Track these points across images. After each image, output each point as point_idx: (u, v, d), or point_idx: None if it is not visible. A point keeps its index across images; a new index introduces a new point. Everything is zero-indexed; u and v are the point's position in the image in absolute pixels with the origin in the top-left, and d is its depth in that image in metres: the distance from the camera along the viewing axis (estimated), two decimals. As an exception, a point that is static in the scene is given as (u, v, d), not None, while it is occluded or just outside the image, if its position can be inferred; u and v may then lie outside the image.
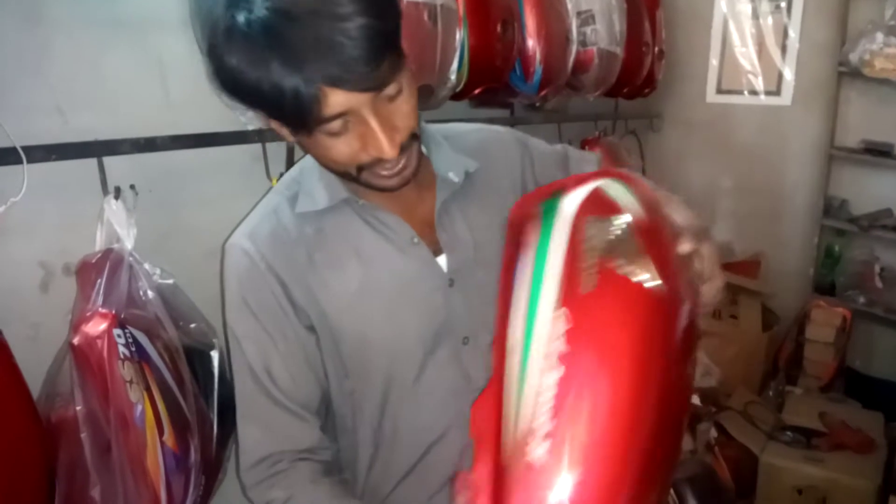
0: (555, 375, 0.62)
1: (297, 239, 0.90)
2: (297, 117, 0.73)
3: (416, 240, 0.92)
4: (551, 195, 0.73)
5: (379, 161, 0.78)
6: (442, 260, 0.93)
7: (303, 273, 0.89)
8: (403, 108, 0.78)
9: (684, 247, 0.72)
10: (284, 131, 0.82)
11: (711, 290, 0.78)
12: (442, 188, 0.93)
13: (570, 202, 0.70)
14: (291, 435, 0.92)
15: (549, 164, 1.05)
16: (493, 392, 0.69)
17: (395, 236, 0.92)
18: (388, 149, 0.76)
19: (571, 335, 0.63)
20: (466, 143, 1.00)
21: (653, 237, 0.68)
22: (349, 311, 0.90)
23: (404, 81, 0.77)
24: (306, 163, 0.94)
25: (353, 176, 0.81)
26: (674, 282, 0.67)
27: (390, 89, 0.75)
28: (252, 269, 0.89)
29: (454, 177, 0.93)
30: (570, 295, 0.65)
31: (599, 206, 0.70)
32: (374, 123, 0.74)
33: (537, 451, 0.60)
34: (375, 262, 0.90)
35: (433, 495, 0.97)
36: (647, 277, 0.64)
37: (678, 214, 0.77)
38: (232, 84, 0.73)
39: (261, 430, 0.93)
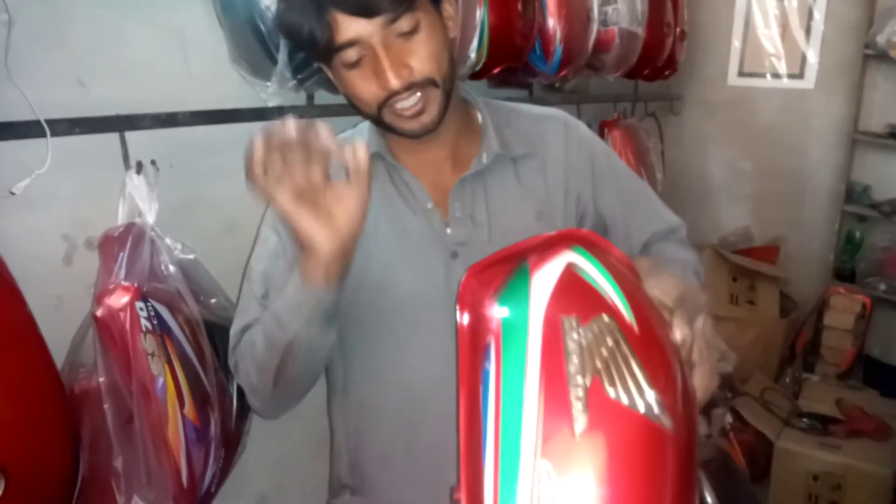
0: None
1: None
2: (317, 46, 0.82)
3: (430, 206, 0.95)
4: (516, 272, 0.63)
5: (391, 96, 0.84)
6: (451, 231, 0.95)
7: None
8: (419, 50, 0.83)
9: (675, 335, 0.63)
10: (330, 73, 0.91)
11: (703, 376, 0.67)
12: (472, 167, 0.96)
13: (541, 289, 0.59)
14: None
15: (582, 159, 1.03)
16: None
17: (413, 198, 0.96)
18: (391, 78, 0.81)
19: (560, 492, 0.51)
20: (521, 125, 1.01)
21: (644, 337, 0.57)
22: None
23: (423, 23, 0.83)
24: (362, 125, 1.02)
25: (379, 118, 0.88)
26: (675, 401, 0.55)
27: (403, 24, 0.81)
28: None
29: (485, 159, 0.96)
30: (555, 438, 0.52)
31: (576, 296, 0.59)
32: (381, 53, 0.81)
33: None
34: (387, 215, 0.95)
35: (426, 483, 0.95)
36: (648, 403, 0.53)
37: (661, 284, 0.68)
38: (279, 25, 0.88)
39: (242, 323, 0.97)
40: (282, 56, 1.20)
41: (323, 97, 1.44)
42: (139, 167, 1.14)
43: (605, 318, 0.56)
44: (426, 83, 0.85)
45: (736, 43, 3.16)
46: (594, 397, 0.52)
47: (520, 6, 1.68)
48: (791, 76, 3.08)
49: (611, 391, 0.53)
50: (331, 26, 0.80)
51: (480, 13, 1.58)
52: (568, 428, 0.52)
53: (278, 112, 1.37)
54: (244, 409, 1.25)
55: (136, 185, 1.12)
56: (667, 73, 2.71)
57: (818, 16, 2.96)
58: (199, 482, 1.11)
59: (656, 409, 0.53)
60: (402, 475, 1.00)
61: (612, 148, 2.49)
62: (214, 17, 1.28)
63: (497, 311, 0.61)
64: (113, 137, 1.13)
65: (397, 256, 0.95)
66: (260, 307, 0.95)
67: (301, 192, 0.74)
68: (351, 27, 0.80)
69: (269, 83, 1.24)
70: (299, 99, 1.42)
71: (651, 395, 0.53)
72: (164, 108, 1.18)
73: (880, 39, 2.66)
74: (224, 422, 1.16)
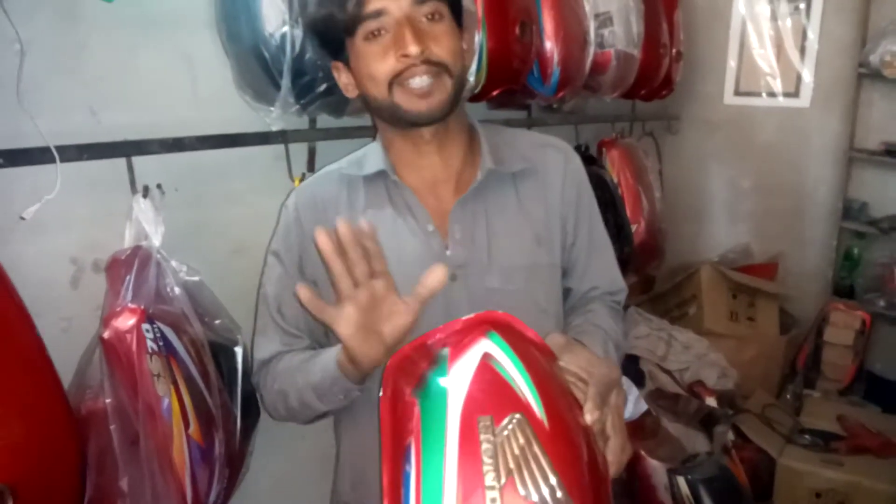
0: None
1: (330, 201, 1.01)
2: (346, 13, 0.86)
3: (430, 228, 0.97)
4: (435, 364, 0.65)
5: (405, 68, 0.87)
6: (451, 253, 0.97)
7: None
8: (440, 36, 0.88)
9: (588, 417, 0.68)
10: (343, 77, 0.97)
11: (615, 449, 0.73)
12: (471, 186, 0.98)
13: (458, 386, 0.61)
14: (288, 343, 1.04)
15: (573, 190, 1.07)
16: None
17: (413, 220, 0.97)
18: (410, 43, 0.85)
19: None
20: (521, 147, 1.05)
21: (554, 432, 0.60)
22: None
23: (447, 16, 0.89)
24: (369, 147, 1.06)
25: (389, 101, 0.90)
26: (583, 489, 0.59)
27: (427, 8, 0.87)
28: (288, 218, 1.04)
29: (480, 175, 0.98)
30: None
31: (490, 393, 0.61)
32: (405, 23, 0.86)
33: None
34: (386, 237, 0.95)
35: None
36: (557, 499, 0.57)
37: (576, 360, 0.73)
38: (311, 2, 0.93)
39: (266, 342, 1.05)
40: (285, 82, 1.22)
41: (325, 121, 1.47)
42: (146, 191, 1.16)
43: (518, 416, 0.59)
44: (441, 66, 0.88)
45: (731, 62, 3.20)
46: (508, 497, 0.55)
47: (517, 30, 1.71)
48: (787, 95, 3.11)
49: (522, 490, 0.56)
50: None
51: (479, 37, 1.61)
52: None
53: (281, 136, 1.39)
54: (248, 430, 1.26)
55: (143, 208, 1.14)
56: (664, 93, 2.75)
57: (812, 35, 3.00)
58: (204, 502, 1.12)
59: (563, 501, 0.56)
60: None
61: (611, 167, 2.52)
62: (221, 46, 1.31)
63: (417, 411, 0.63)
64: (120, 163, 1.16)
65: (396, 279, 0.96)
66: (277, 328, 1.02)
67: (362, 314, 0.78)
68: None
69: (272, 108, 1.27)
70: (302, 123, 1.45)
71: (560, 491, 0.56)
72: (172, 133, 1.21)
73: (874, 59, 2.70)
74: (228, 442, 1.18)
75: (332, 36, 0.94)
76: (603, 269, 1.12)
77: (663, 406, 2.31)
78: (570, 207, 1.05)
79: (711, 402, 2.40)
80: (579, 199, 1.07)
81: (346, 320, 0.77)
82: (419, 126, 0.94)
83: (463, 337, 0.66)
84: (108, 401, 1.04)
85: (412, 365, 0.69)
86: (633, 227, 2.52)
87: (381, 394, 0.68)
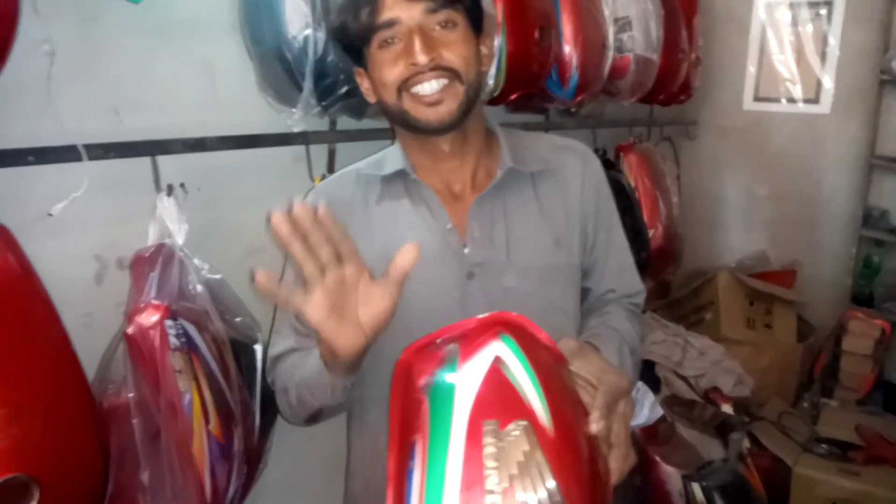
0: None
1: (349, 200, 1.01)
2: (362, 20, 0.88)
3: (449, 226, 0.97)
4: (446, 363, 0.65)
5: (413, 75, 0.88)
6: (469, 252, 0.97)
7: None
8: (452, 43, 0.89)
9: (593, 427, 0.68)
10: (364, 83, 0.99)
11: (618, 458, 0.73)
12: (490, 184, 0.99)
13: (466, 388, 0.62)
14: (300, 343, 1.02)
15: (592, 192, 1.07)
16: None
17: (432, 218, 0.98)
18: (418, 52, 0.86)
19: None
20: (539, 148, 1.05)
21: (558, 440, 0.61)
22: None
23: (460, 24, 0.89)
24: (388, 149, 1.06)
25: (399, 107, 0.91)
26: (583, 499, 0.60)
27: (441, 16, 0.88)
28: None
29: (499, 173, 0.99)
30: None
31: (498, 398, 0.62)
32: (416, 33, 0.87)
33: None
34: (403, 234, 0.96)
35: None
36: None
37: (587, 366, 0.73)
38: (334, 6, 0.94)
39: (280, 340, 1.04)
40: (307, 83, 1.24)
41: (345, 123, 1.48)
42: (169, 190, 1.18)
43: (524, 423, 0.60)
44: (451, 73, 0.89)
45: (751, 68, 3.19)
46: (508, 502, 0.56)
47: (537, 34, 1.72)
48: (807, 101, 3.09)
49: (521, 496, 0.56)
50: (377, 3, 0.87)
51: (498, 41, 1.62)
52: None
53: (302, 137, 1.41)
54: (266, 427, 1.28)
55: (167, 207, 1.16)
56: (682, 98, 2.74)
57: (833, 42, 2.98)
58: (223, 497, 1.14)
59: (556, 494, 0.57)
60: None
61: (629, 172, 2.52)
62: (242, 48, 1.33)
63: (425, 408, 0.63)
64: (142, 163, 1.18)
65: (414, 277, 0.97)
66: (291, 328, 1.02)
67: (330, 298, 0.74)
68: (394, 7, 0.86)
69: (294, 110, 1.29)
70: (322, 125, 1.46)
71: (559, 498, 0.57)
72: (194, 134, 1.23)
73: (895, 65, 2.68)
74: (247, 438, 1.19)
75: (351, 44, 0.95)
76: (621, 272, 1.12)
77: (679, 412, 2.30)
78: (589, 209, 1.05)
79: (727, 408, 2.39)
80: (598, 201, 1.07)
81: (314, 306, 0.73)
82: (430, 134, 0.94)
83: (476, 337, 0.67)
84: (130, 395, 1.06)
85: (424, 360, 0.69)
86: (651, 232, 2.51)
87: (391, 390, 0.69)
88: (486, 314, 0.72)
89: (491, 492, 0.56)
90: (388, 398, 1.00)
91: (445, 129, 0.92)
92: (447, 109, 0.90)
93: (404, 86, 0.89)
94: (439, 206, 0.98)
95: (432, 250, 0.97)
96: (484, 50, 0.96)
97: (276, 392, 1.04)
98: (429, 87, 0.89)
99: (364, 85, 1.00)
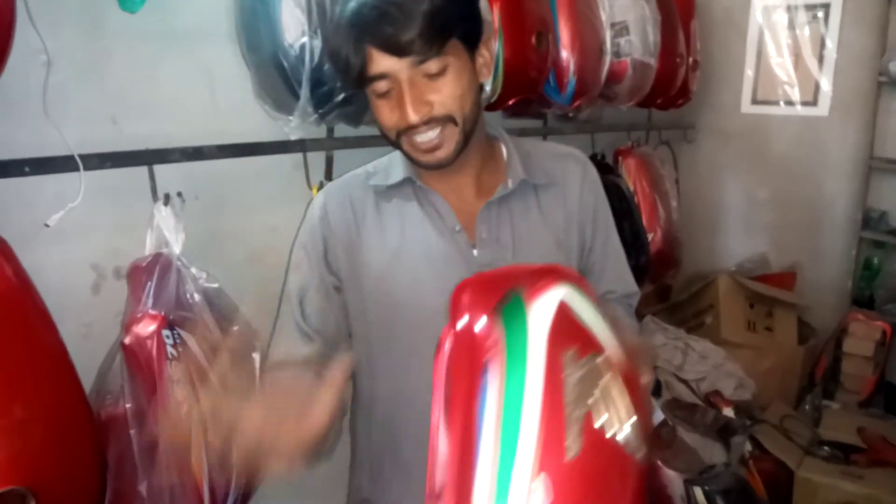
0: None
1: (359, 202, 1.03)
2: (353, 74, 0.88)
3: (457, 228, 0.99)
4: (510, 297, 0.64)
5: (408, 128, 0.89)
6: (477, 253, 0.99)
7: (351, 232, 1.01)
8: (443, 89, 0.89)
9: (645, 378, 0.70)
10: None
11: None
12: (498, 192, 1.01)
13: (539, 322, 0.61)
14: (296, 350, 1.01)
15: (590, 199, 1.09)
16: None
17: (440, 221, 1.00)
18: (411, 114, 0.87)
19: None
20: (543, 159, 1.07)
21: (627, 378, 0.62)
22: (381, 275, 0.99)
23: (452, 66, 0.88)
24: (392, 154, 1.06)
25: (398, 144, 0.93)
26: (646, 434, 0.62)
27: (431, 66, 0.87)
28: (315, 215, 1.04)
29: (510, 184, 1.01)
30: (551, 458, 0.55)
31: (571, 332, 0.62)
32: (405, 89, 0.87)
33: None
34: (414, 239, 0.99)
35: None
36: (628, 437, 0.58)
37: (623, 334, 0.73)
38: (326, 46, 0.96)
39: (280, 340, 1.03)
40: (304, 92, 1.24)
41: (342, 130, 1.48)
42: (166, 199, 1.18)
43: (597, 356, 0.61)
44: (445, 119, 0.90)
45: (749, 71, 3.19)
46: (587, 427, 0.56)
47: (534, 40, 1.72)
48: (805, 104, 3.09)
49: (600, 424, 0.57)
50: (365, 59, 0.87)
51: (495, 47, 1.63)
52: (562, 453, 0.55)
53: (300, 145, 1.41)
54: (265, 436, 1.27)
55: (164, 216, 1.16)
56: (680, 101, 2.75)
57: (830, 44, 2.98)
58: (221, 507, 1.13)
59: (634, 443, 0.59)
60: (423, 487, 1.01)
61: (627, 176, 2.52)
62: (240, 56, 1.33)
63: (498, 332, 0.62)
64: (141, 172, 1.18)
65: (424, 276, 0.99)
66: (294, 327, 1.01)
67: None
68: (383, 62, 0.86)
69: (291, 117, 1.29)
70: (320, 132, 1.47)
71: (631, 430, 0.59)
72: (192, 143, 1.23)
73: (893, 67, 2.68)
74: (245, 448, 1.18)
75: (346, 83, 0.97)
76: (618, 274, 1.15)
77: (680, 416, 2.30)
78: (587, 215, 1.08)
79: (729, 412, 2.38)
80: (596, 208, 1.09)
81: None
82: (430, 170, 0.97)
83: (537, 280, 0.65)
84: (128, 406, 1.05)
85: (484, 291, 0.67)
86: (650, 236, 2.51)
87: (450, 314, 0.67)
88: (538, 264, 0.72)
89: (571, 416, 0.56)
90: (390, 396, 1.01)
91: (443, 167, 0.94)
92: (445, 153, 0.92)
93: (403, 133, 0.91)
94: (447, 210, 1.00)
95: (441, 250, 0.99)
96: (481, 60, 0.95)
97: None
98: (425, 136, 0.90)
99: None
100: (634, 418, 0.59)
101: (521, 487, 0.54)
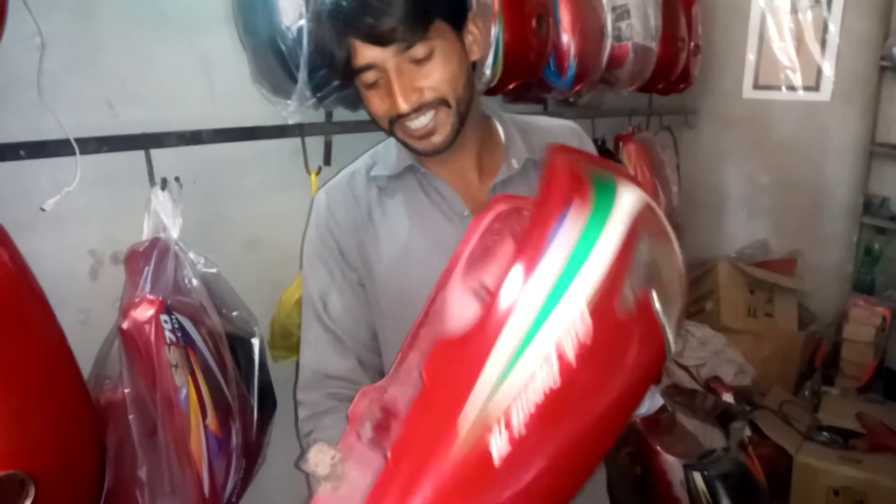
0: (548, 385, 0.56)
1: (363, 198, 1.01)
2: (339, 67, 0.87)
3: (466, 213, 0.98)
4: (603, 174, 0.67)
5: (399, 116, 0.88)
6: None
7: (359, 228, 1.00)
8: (432, 74, 0.87)
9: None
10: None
11: None
12: (503, 173, 0.99)
13: (629, 201, 0.64)
14: (327, 360, 1.01)
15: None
16: (472, 340, 0.59)
17: (447, 207, 0.99)
18: (400, 102, 0.86)
19: (585, 354, 0.57)
20: (539, 135, 1.05)
21: (685, 283, 0.66)
22: (392, 267, 0.98)
23: (438, 49, 0.87)
24: (389, 139, 1.04)
25: (393, 135, 0.93)
26: (678, 336, 0.66)
27: (417, 51, 0.85)
28: (321, 215, 1.03)
29: (515, 164, 0.99)
30: (604, 304, 0.58)
31: (652, 223, 0.65)
32: (393, 78, 0.86)
33: (496, 444, 0.56)
34: (424, 226, 0.98)
35: None
36: (669, 330, 0.61)
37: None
38: (314, 48, 0.95)
39: (311, 352, 1.02)
40: (302, 75, 1.23)
41: (341, 114, 1.47)
42: (164, 184, 1.17)
43: (669, 250, 0.66)
44: (437, 103, 0.88)
45: (750, 56, 3.16)
46: (642, 297, 0.60)
47: (534, 23, 1.70)
48: (807, 89, 3.07)
49: (654, 302, 0.61)
50: (350, 52, 0.86)
51: (495, 31, 1.61)
52: (616, 303, 0.58)
53: (298, 129, 1.40)
54: (265, 421, 1.27)
55: (161, 201, 1.15)
56: (681, 86, 2.73)
57: (833, 28, 2.95)
58: (221, 492, 1.13)
59: (672, 336, 0.62)
60: None
61: (628, 162, 2.51)
62: (237, 40, 1.32)
63: (590, 190, 0.64)
64: (138, 157, 1.17)
65: (436, 266, 0.96)
66: (325, 331, 1.01)
67: None
68: (367, 53, 0.85)
69: (289, 102, 1.28)
70: (318, 116, 1.45)
71: (675, 327, 0.63)
72: (189, 127, 1.22)
73: (896, 52, 2.66)
74: (245, 433, 1.19)
75: (333, 75, 0.96)
76: None
77: (680, 402, 2.30)
78: None
79: (728, 398, 2.38)
80: None
81: None
82: (427, 156, 0.96)
83: (626, 176, 0.69)
84: (126, 391, 1.05)
85: (577, 156, 0.71)
86: (650, 222, 2.49)
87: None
88: None
89: (631, 277, 0.59)
90: None
91: (439, 152, 0.93)
92: (440, 138, 0.91)
93: (395, 121, 0.90)
94: (454, 196, 0.99)
95: (453, 239, 0.96)
96: (470, 37, 0.93)
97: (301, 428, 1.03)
98: (418, 122, 0.89)
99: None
100: (679, 317, 0.63)
101: (572, 310, 0.57)
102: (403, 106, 0.87)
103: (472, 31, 0.93)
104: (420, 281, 0.96)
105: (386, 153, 1.04)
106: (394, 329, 1.00)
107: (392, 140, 1.05)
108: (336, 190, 1.05)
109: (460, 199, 0.98)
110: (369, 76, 0.88)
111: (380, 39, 0.84)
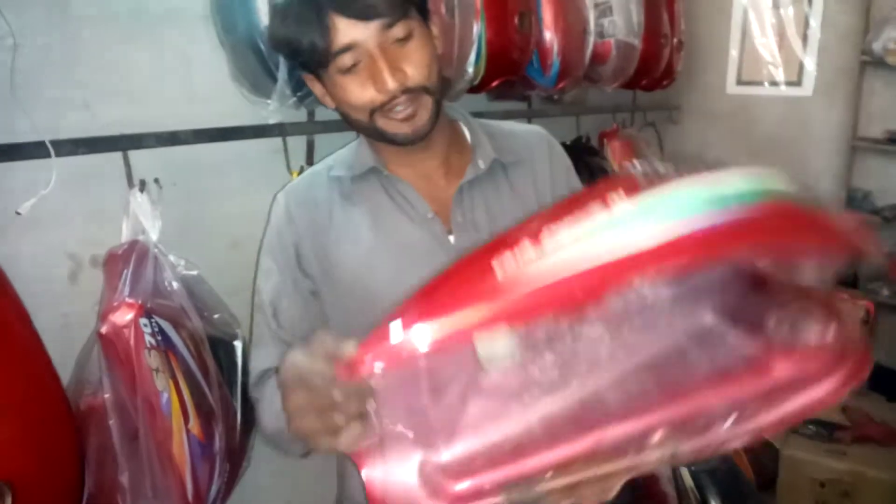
0: None
1: (324, 200, 0.99)
2: (315, 51, 0.84)
3: (430, 215, 0.97)
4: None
5: (384, 103, 0.86)
6: (454, 239, 0.97)
7: (320, 231, 0.97)
8: (413, 56, 0.86)
9: None
10: (317, 88, 0.94)
11: None
12: (469, 173, 0.98)
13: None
14: (274, 363, 0.98)
15: (562, 173, 1.08)
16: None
17: (412, 209, 0.97)
18: (388, 80, 0.84)
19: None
20: (507, 138, 1.04)
21: None
22: (357, 270, 0.96)
23: (417, 31, 0.86)
24: (353, 143, 1.03)
25: (371, 125, 0.89)
26: None
27: (398, 30, 0.84)
28: (280, 218, 1.00)
29: (482, 164, 0.98)
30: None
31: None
32: (378, 56, 0.84)
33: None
34: (388, 229, 0.96)
35: None
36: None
37: None
38: (274, 35, 0.89)
39: (262, 354, 1.00)
40: (282, 74, 1.22)
41: (323, 113, 1.46)
42: (142, 185, 1.16)
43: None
44: (419, 90, 0.87)
45: (733, 52, 3.18)
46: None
47: (516, 20, 1.70)
48: (789, 84, 3.09)
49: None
50: (329, 30, 0.82)
51: (477, 28, 1.60)
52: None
53: (279, 129, 1.39)
54: (248, 425, 1.26)
55: (140, 203, 1.14)
56: (665, 83, 2.73)
57: (814, 24, 2.97)
58: (205, 497, 1.12)
59: None
60: None
61: (613, 158, 2.51)
62: (216, 39, 1.30)
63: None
64: (117, 157, 1.15)
65: (402, 269, 0.95)
66: (273, 337, 0.98)
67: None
68: (349, 31, 0.83)
69: (269, 101, 1.26)
70: (300, 116, 1.44)
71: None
72: (168, 128, 1.20)
73: (876, 46, 2.68)
74: (228, 437, 1.17)
75: (301, 62, 0.91)
76: None
77: (666, 397, 2.30)
78: (560, 191, 1.06)
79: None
80: (569, 183, 1.08)
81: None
82: (404, 145, 0.93)
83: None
84: (106, 396, 1.04)
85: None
86: (635, 218, 2.50)
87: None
88: None
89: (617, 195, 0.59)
90: None
91: (421, 138, 0.91)
92: (421, 122, 0.89)
93: (378, 108, 0.88)
94: (417, 198, 0.97)
95: (418, 241, 0.96)
96: (434, 30, 0.93)
97: (260, 416, 0.98)
98: (402, 106, 0.87)
99: (317, 90, 0.96)
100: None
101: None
102: (392, 84, 0.84)
103: (433, 28, 0.93)
104: (386, 284, 0.94)
105: (347, 155, 1.02)
106: (362, 330, 0.98)
107: (354, 145, 1.03)
108: (295, 194, 1.02)
109: (424, 202, 0.97)
110: (347, 59, 0.84)
111: (363, 13, 0.82)
